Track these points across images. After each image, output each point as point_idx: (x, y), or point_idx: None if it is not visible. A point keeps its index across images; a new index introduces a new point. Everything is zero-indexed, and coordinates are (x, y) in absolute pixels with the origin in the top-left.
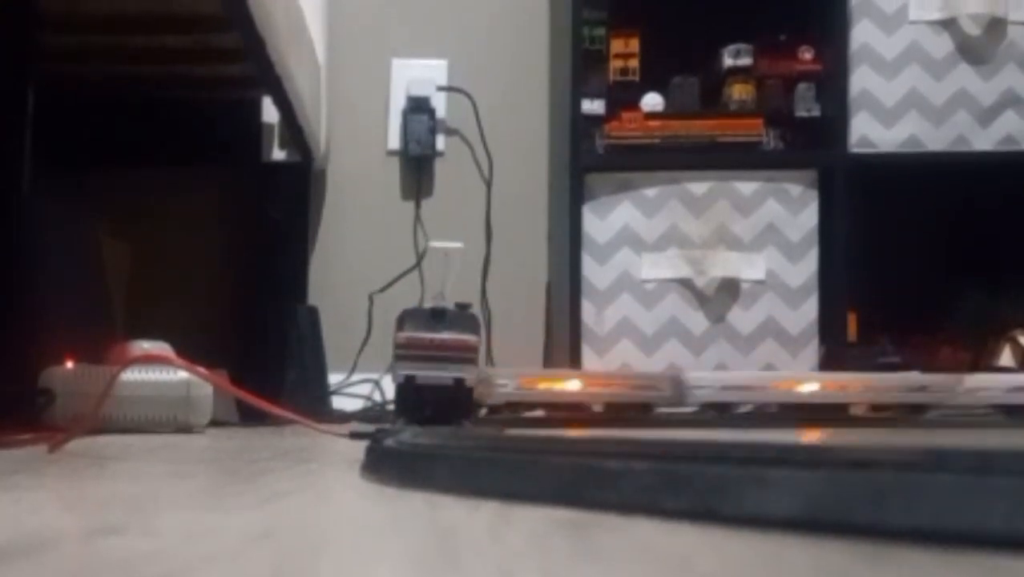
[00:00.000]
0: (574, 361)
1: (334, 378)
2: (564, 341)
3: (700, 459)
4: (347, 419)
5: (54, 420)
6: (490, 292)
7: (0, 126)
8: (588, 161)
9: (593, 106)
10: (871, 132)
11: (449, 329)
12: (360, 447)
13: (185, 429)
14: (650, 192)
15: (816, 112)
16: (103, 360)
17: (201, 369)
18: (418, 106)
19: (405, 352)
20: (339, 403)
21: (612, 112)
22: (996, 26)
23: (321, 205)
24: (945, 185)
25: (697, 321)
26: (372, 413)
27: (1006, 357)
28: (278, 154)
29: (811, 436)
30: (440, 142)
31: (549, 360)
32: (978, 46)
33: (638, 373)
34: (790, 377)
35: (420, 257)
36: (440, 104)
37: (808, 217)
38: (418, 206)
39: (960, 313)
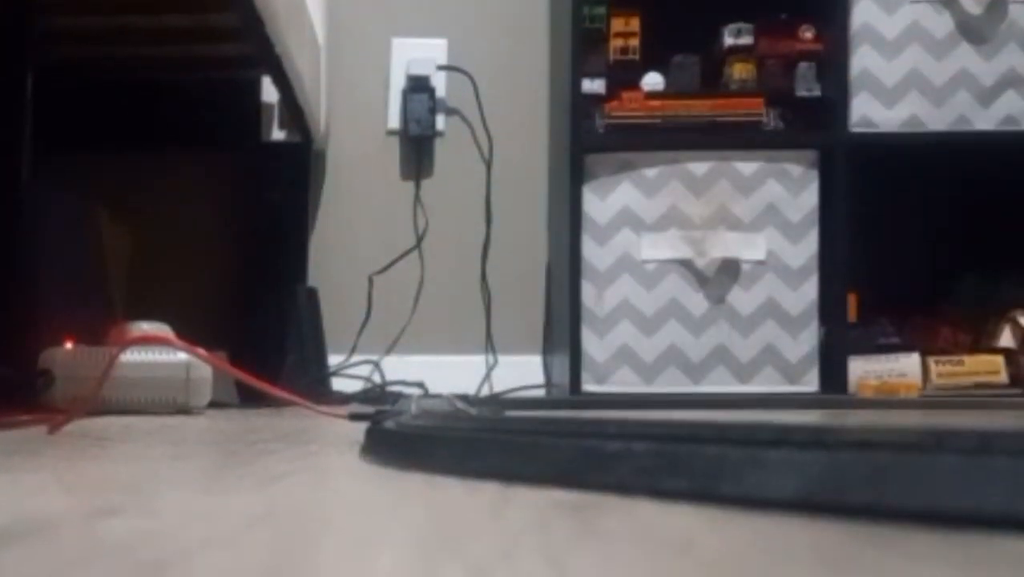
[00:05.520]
0: (574, 343)
1: (334, 359)
2: (564, 322)
3: (699, 440)
4: (346, 401)
5: (53, 401)
6: (489, 273)
7: None
8: (588, 141)
9: (593, 86)
10: (872, 112)
11: None
12: (360, 429)
13: (184, 410)
14: (650, 172)
15: (817, 92)
16: (103, 341)
17: (201, 350)
18: (418, 85)
19: None
20: (339, 384)
21: (612, 92)
22: (997, 5)
23: (321, 185)
24: (946, 165)
25: (697, 302)
26: (372, 395)
27: (1006, 337)
28: (278, 134)
29: (811, 417)
30: (440, 122)
31: (549, 341)
32: (979, 26)
33: None
34: None
35: (420, 238)
36: (440, 83)
37: (808, 197)
38: (418, 186)
39: (960, 293)
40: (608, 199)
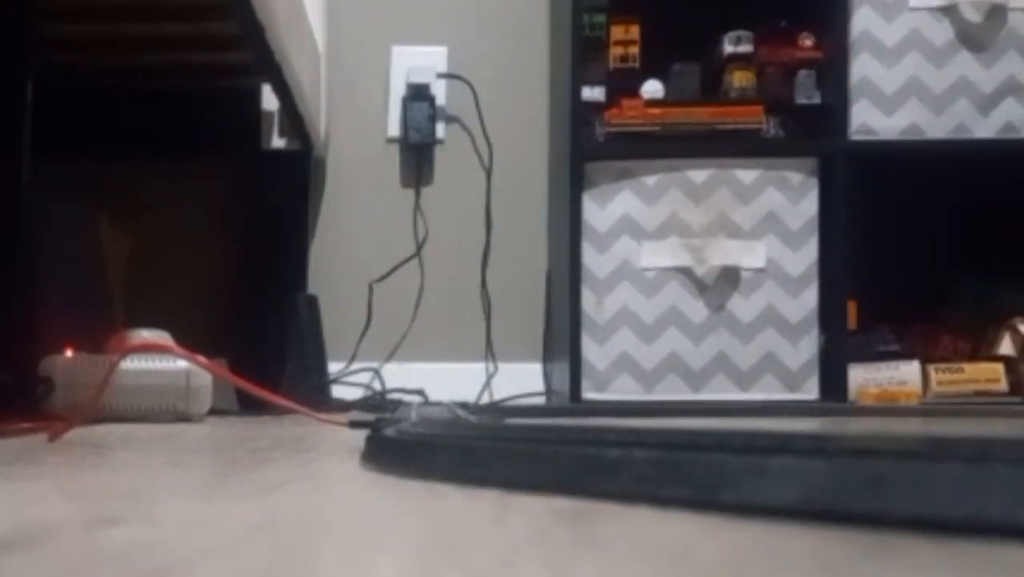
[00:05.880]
0: (574, 350)
1: (334, 367)
2: (564, 330)
3: (700, 448)
4: (347, 408)
5: (54, 409)
6: (489, 281)
7: None
8: (588, 149)
9: (593, 93)
10: (871, 120)
11: None
12: (360, 436)
13: (185, 418)
14: (650, 180)
15: (816, 99)
16: (103, 349)
17: (201, 358)
18: (418, 93)
19: None
20: (339, 392)
21: (612, 100)
22: (996, 13)
23: (321, 193)
24: (945, 173)
25: (697, 310)
26: (372, 402)
27: (1006, 345)
28: (278, 142)
29: (812, 424)
30: (440, 130)
31: (549, 349)
32: (978, 33)
33: None
34: None
35: (420, 245)
36: (440, 91)
37: (808, 205)
38: (418, 194)
39: (960, 301)
40: (608, 207)
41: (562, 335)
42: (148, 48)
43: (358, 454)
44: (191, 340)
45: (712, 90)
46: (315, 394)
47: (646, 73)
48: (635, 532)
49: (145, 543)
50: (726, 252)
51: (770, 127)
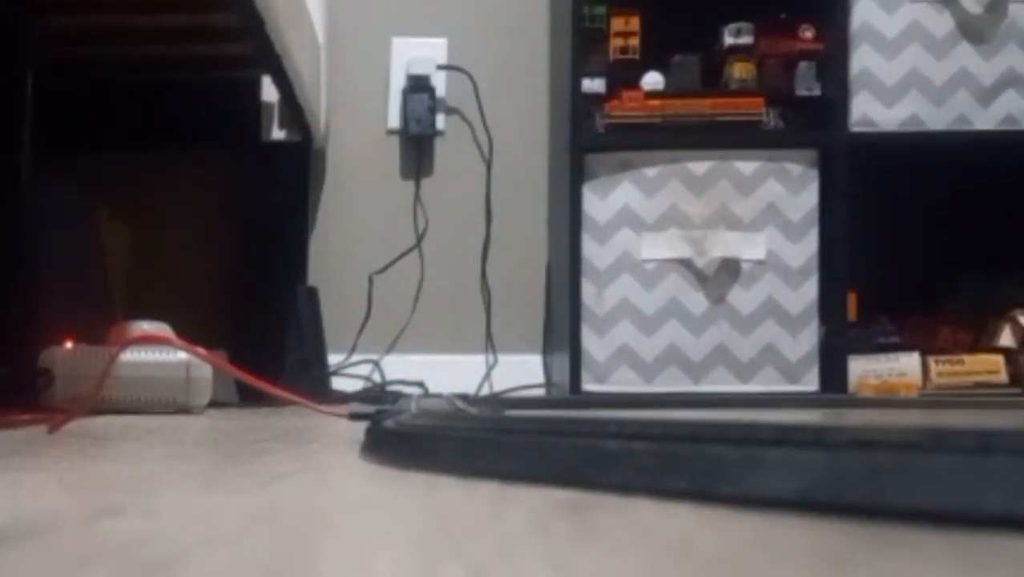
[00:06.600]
0: (574, 342)
1: (334, 359)
2: (564, 321)
3: (699, 440)
4: (347, 400)
5: (53, 401)
6: (490, 272)
7: None
8: (588, 141)
9: (593, 85)
10: (872, 111)
11: None
12: (360, 428)
13: (184, 410)
14: (650, 172)
15: (817, 91)
16: (103, 341)
17: (201, 350)
18: (418, 85)
19: None
20: (339, 384)
21: (612, 91)
22: (997, 5)
23: (321, 185)
24: (945, 165)
25: (697, 301)
26: (372, 394)
27: (1006, 337)
28: (278, 134)
29: (811, 416)
30: (440, 121)
31: (549, 340)
32: (979, 25)
33: None
34: None
35: (420, 237)
36: (440, 83)
37: (808, 197)
38: (418, 186)
39: (960, 293)
40: (608, 198)
41: (562, 327)
42: (147, 40)
43: (358, 446)
44: (191, 332)
45: (712, 82)
46: (315, 386)
47: (646, 65)
48: (635, 524)
49: (145, 534)
50: (726, 244)
51: (770, 119)
